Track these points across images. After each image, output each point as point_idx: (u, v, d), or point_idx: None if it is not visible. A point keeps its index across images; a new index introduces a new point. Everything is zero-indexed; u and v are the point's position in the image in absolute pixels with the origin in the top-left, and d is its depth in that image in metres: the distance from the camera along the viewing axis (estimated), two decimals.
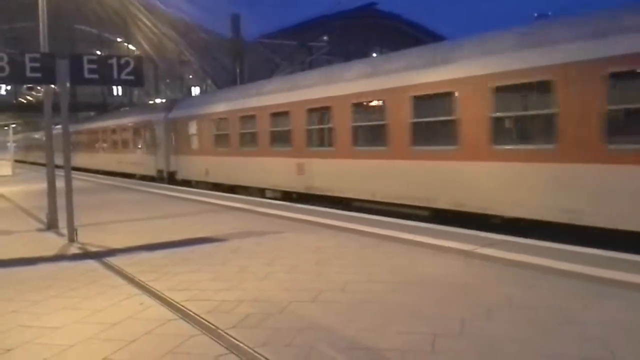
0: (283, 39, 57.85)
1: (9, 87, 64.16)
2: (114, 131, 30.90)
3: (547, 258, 6.61)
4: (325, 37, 62.35)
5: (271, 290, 5.94)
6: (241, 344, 4.40)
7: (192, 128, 21.13)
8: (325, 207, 12.76)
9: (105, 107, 55.48)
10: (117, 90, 68.07)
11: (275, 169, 15.78)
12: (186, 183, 21.52)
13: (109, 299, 5.83)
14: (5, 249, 8.91)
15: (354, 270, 6.70)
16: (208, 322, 4.94)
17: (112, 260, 7.74)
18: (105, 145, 32.41)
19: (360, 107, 12.71)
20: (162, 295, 5.85)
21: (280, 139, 15.62)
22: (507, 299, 5.33)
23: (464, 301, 5.32)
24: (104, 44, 68.94)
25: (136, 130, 27.16)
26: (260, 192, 16.74)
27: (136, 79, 9.92)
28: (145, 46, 66.34)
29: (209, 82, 73.38)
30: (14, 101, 65.45)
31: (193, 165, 21.13)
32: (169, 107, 24.65)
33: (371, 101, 12.47)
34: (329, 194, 13.64)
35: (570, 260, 6.45)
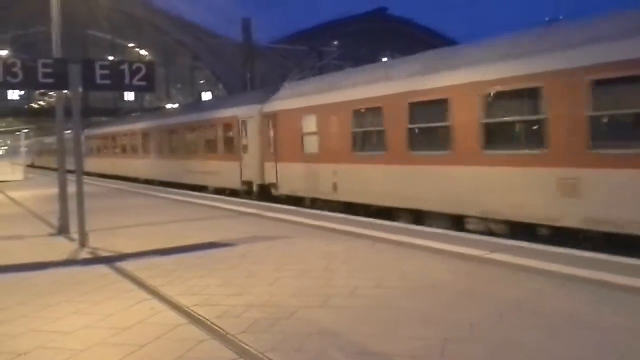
0: (293, 43, 58.07)
1: (21, 93, 64.84)
2: (174, 132, 25.15)
3: (557, 263, 6.57)
4: (335, 42, 62.46)
5: (280, 295, 5.95)
6: (251, 349, 4.40)
7: (309, 123, 14.95)
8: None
9: (117, 112, 55.69)
10: (129, 96, 68.56)
11: (498, 185, 9.85)
12: (293, 201, 15.61)
13: (120, 303, 5.86)
14: (17, 253, 8.99)
15: (363, 275, 6.69)
16: (218, 326, 4.95)
17: (123, 264, 7.78)
18: (163, 149, 26.19)
19: None
20: (173, 300, 5.87)
21: (514, 135, 9.84)
22: (517, 304, 5.30)
23: (474, 306, 5.30)
24: (116, 49, 69.56)
25: (211, 130, 21.30)
26: (452, 222, 10.89)
27: (148, 85, 9.98)
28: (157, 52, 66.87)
29: (220, 86, 73.82)
30: (26, 106, 66.16)
31: (309, 177, 14.99)
32: (263, 96, 18.45)
33: None
34: None
35: (581, 266, 6.40)
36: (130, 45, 70.08)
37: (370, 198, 12.89)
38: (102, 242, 9.46)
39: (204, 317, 5.23)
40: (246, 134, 18.47)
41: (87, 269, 7.66)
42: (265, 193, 17.27)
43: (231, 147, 19.60)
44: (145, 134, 28.86)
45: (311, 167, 14.89)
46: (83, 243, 9.26)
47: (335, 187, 13.86)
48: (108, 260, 8.11)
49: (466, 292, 5.79)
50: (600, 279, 5.89)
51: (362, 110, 13.10)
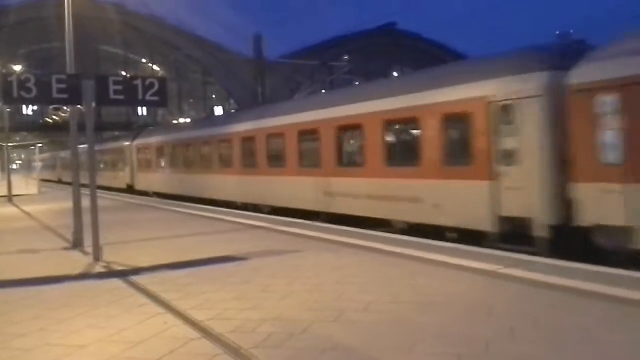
0: (304, 58, 58.37)
1: (35, 108, 65.62)
2: (311, 134, 15.92)
3: (572, 279, 6.53)
4: (346, 57, 62.73)
5: (293, 309, 5.94)
6: None
7: None
8: None
9: (130, 127, 56.11)
10: (142, 111, 69.17)
11: None
12: None
13: (134, 317, 5.88)
14: (32, 267, 9.04)
15: (376, 289, 6.66)
16: (231, 341, 4.95)
17: (137, 279, 7.81)
18: (289, 160, 17.02)
19: None
20: (186, 314, 5.88)
21: None
22: (531, 319, 5.26)
23: (489, 322, 5.27)
24: (129, 64, 70.35)
25: (409, 126, 12.78)
26: None
27: (161, 100, 10.07)
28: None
29: (232, 101, 74.32)
30: (41, 121, 66.93)
31: None
32: (544, 59, 10.07)
33: None
34: None
35: (595, 282, 6.36)
36: (143, 61, 70.81)
37: None
38: (116, 256, 9.50)
39: (218, 332, 5.23)
40: (512, 130, 10.22)
41: (101, 283, 7.70)
42: (565, 242, 9.30)
43: (462, 154, 11.21)
44: (249, 139, 19.50)
45: None
46: (97, 257, 9.30)
47: None
48: (122, 274, 8.14)
49: (481, 308, 5.76)
50: (613, 295, 5.84)
51: None
